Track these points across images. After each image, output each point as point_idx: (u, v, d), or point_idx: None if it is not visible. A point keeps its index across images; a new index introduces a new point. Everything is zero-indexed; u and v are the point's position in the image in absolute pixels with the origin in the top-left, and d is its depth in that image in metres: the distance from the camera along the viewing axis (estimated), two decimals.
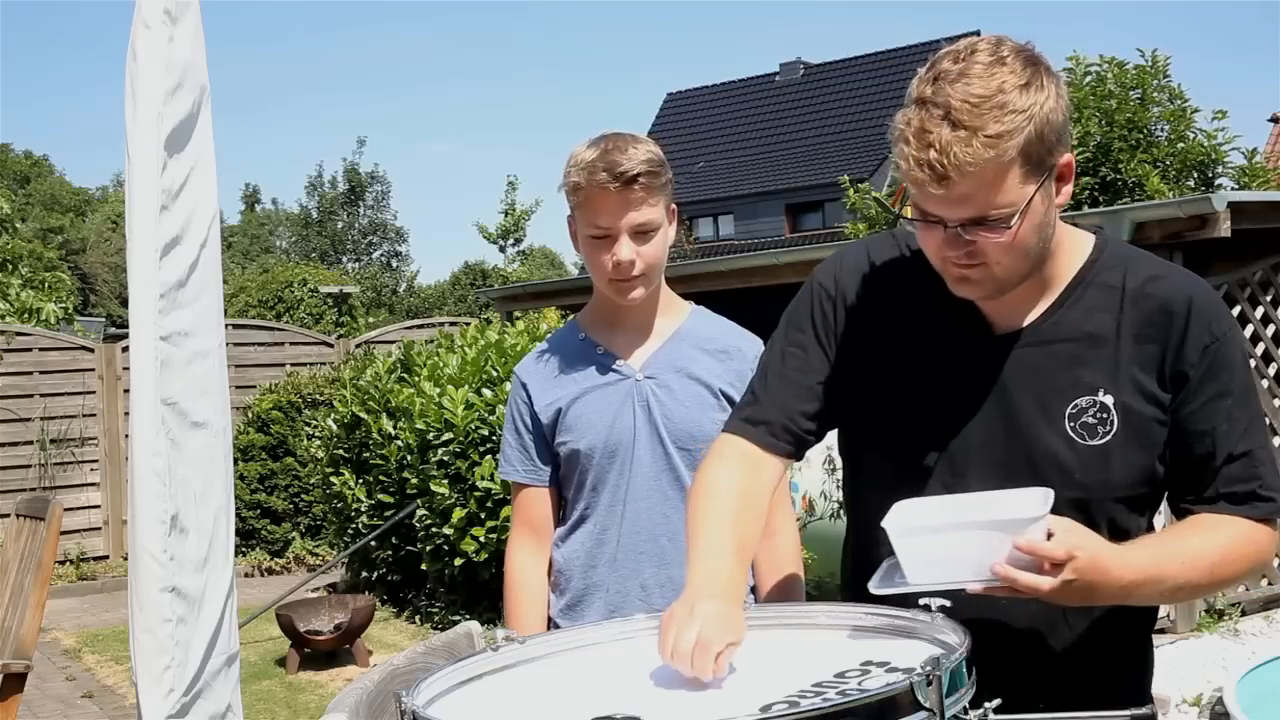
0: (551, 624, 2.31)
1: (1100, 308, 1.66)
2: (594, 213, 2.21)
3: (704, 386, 2.29)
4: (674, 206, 2.31)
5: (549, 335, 2.47)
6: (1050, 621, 1.68)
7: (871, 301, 1.77)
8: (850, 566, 1.86)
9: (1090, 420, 1.63)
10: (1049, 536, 1.48)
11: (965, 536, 1.50)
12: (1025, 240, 1.57)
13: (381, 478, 7.77)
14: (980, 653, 1.39)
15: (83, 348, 10.50)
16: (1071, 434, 1.63)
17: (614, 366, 2.30)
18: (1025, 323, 1.68)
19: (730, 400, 2.29)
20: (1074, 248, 1.69)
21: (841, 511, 6.09)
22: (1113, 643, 1.71)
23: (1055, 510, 1.51)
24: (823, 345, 1.78)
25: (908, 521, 1.54)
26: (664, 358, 2.31)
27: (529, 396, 2.33)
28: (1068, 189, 1.60)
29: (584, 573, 2.30)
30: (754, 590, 2.33)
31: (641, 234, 2.22)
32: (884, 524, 1.53)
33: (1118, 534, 1.62)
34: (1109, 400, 1.62)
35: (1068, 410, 1.63)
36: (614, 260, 2.21)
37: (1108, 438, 1.62)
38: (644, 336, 2.33)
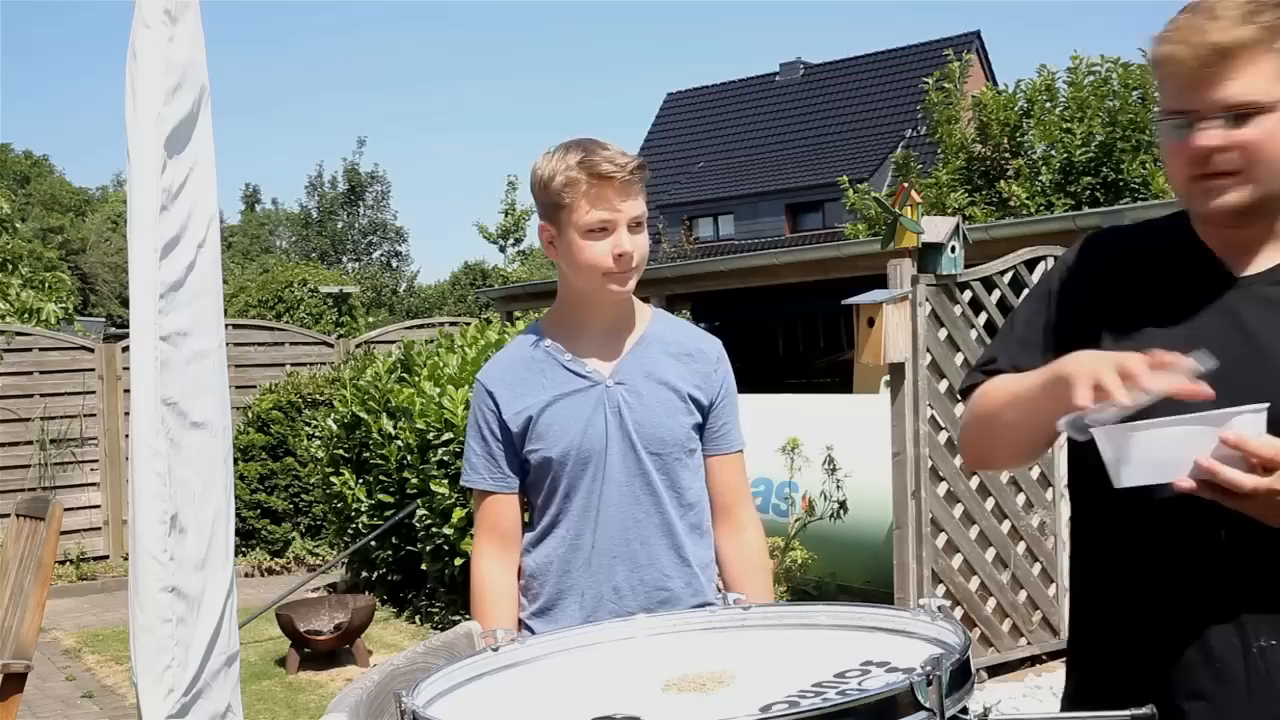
0: (523, 628, 2.31)
1: None
2: (595, 204, 2.21)
3: (672, 391, 2.31)
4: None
5: (510, 340, 2.46)
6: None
7: (1113, 272, 1.78)
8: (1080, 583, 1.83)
9: None
10: None
11: (1172, 433, 1.49)
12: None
13: (381, 478, 7.77)
14: None
15: (83, 348, 10.50)
16: None
17: (583, 372, 2.30)
18: (1266, 267, 1.69)
19: (696, 403, 2.33)
20: None
21: (842, 511, 6.11)
22: None
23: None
24: (1060, 313, 1.80)
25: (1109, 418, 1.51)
26: (633, 363, 2.32)
27: (496, 404, 2.31)
28: None
29: (558, 577, 2.30)
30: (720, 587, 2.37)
31: (636, 225, 2.25)
32: (1087, 419, 1.51)
33: None
34: None
35: None
36: (617, 251, 2.22)
37: None
38: (611, 340, 2.34)
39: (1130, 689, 1.66)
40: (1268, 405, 1.51)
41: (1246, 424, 1.48)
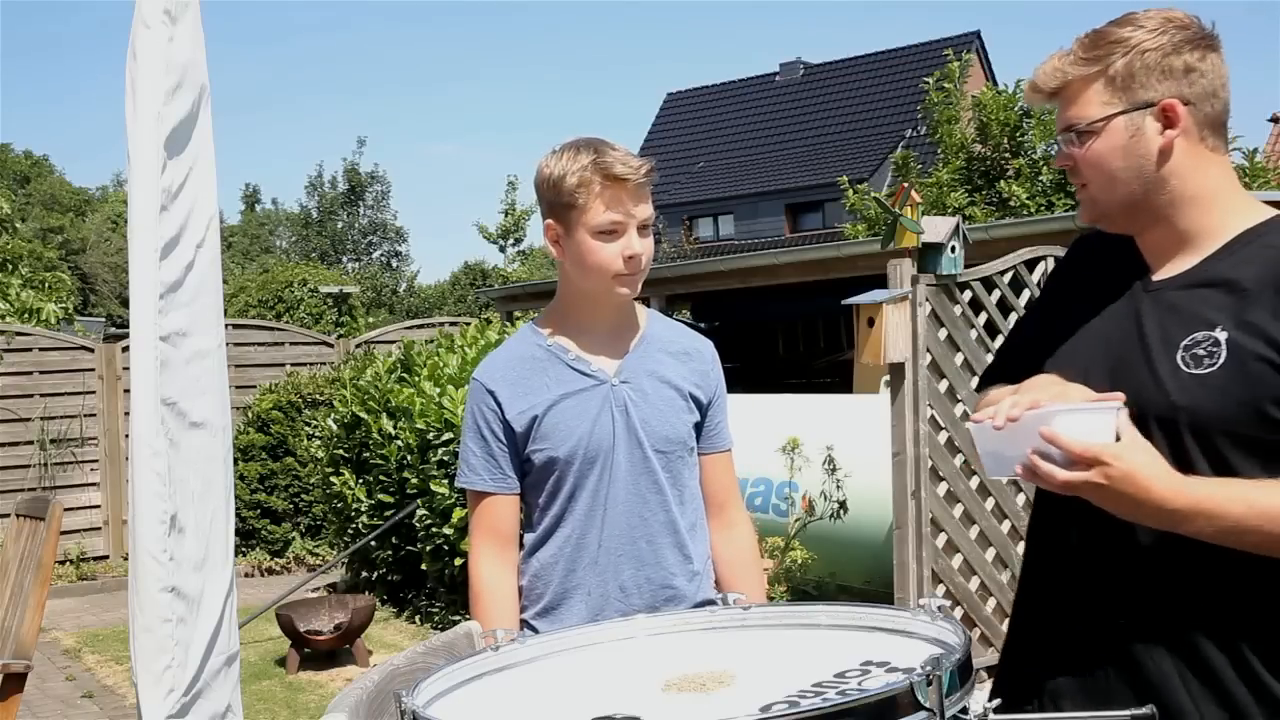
0: (526, 628, 2.30)
1: (1253, 261, 1.71)
2: (609, 206, 2.21)
3: (674, 389, 2.32)
4: None
5: (507, 340, 2.45)
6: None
7: (1071, 275, 1.95)
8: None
9: (1200, 352, 1.68)
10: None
11: (1020, 427, 1.59)
12: (1107, 161, 1.72)
13: (381, 478, 7.77)
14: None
15: (83, 348, 10.50)
16: (1180, 362, 1.68)
17: (589, 371, 2.30)
18: (1177, 272, 1.76)
19: (696, 401, 2.35)
20: (1242, 213, 1.76)
21: (842, 511, 6.11)
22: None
23: (1146, 431, 1.62)
24: (1037, 316, 1.97)
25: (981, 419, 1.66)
26: (636, 362, 2.32)
27: (498, 403, 2.30)
28: (1172, 133, 1.71)
29: (564, 577, 2.29)
30: (716, 583, 2.39)
31: (644, 228, 2.26)
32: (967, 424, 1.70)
33: (1225, 472, 1.63)
34: (1223, 336, 1.66)
35: (1184, 341, 1.69)
36: (628, 254, 2.22)
37: (1212, 369, 1.66)
38: (614, 340, 2.34)
39: (1023, 665, 1.84)
40: (1116, 406, 1.60)
41: (1065, 420, 1.57)
